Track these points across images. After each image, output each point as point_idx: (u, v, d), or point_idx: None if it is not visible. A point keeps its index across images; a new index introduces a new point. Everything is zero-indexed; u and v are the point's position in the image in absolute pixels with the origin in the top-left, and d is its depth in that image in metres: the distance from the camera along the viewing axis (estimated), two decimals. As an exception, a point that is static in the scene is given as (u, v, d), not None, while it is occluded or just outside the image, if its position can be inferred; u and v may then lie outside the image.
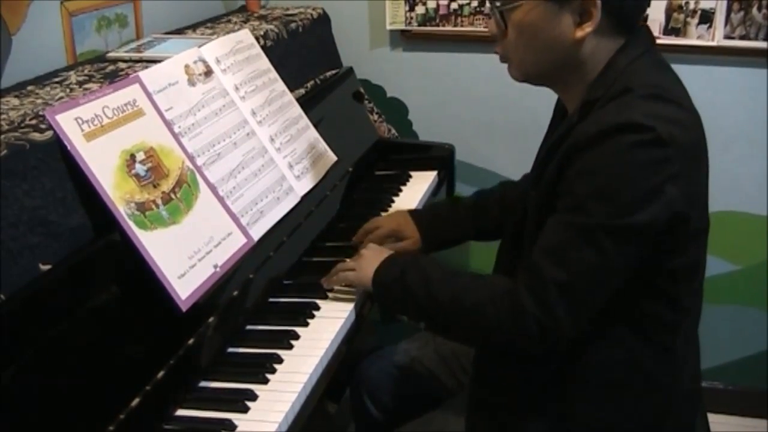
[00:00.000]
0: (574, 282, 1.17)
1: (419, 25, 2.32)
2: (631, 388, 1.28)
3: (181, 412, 1.21)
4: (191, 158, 1.39)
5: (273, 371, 1.30)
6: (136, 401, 1.15)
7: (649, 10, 2.12)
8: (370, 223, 1.72)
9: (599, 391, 1.28)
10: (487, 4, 1.30)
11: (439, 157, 2.19)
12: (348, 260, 1.54)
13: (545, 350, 1.24)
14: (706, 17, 2.11)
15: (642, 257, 1.18)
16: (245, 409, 1.21)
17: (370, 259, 1.46)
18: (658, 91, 1.20)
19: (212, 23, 2.14)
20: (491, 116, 2.32)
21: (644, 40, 1.27)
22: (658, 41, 2.09)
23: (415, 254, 1.61)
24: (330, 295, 1.52)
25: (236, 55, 1.68)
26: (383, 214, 1.88)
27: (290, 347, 1.37)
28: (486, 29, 1.30)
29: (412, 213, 1.74)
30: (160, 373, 1.20)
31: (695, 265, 1.27)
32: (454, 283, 1.32)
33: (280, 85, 1.79)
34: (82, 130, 1.21)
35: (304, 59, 2.09)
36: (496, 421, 1.35)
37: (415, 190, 2.04)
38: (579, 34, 1.21)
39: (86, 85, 1.48)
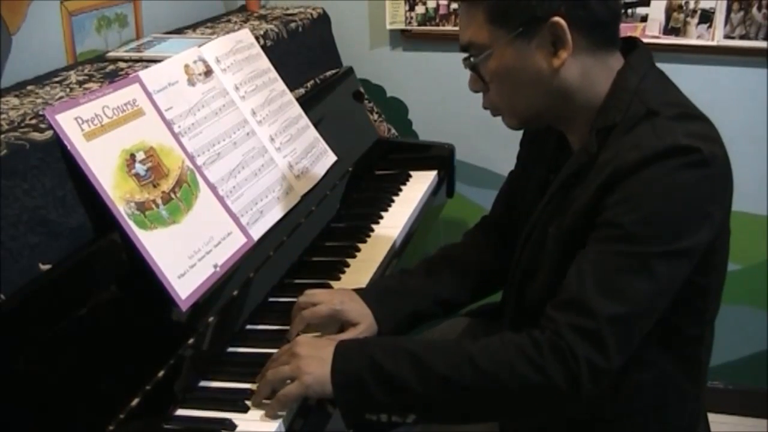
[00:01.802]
0: (629, 313, 1.10)
1: (419, 25, 2.32)
2: (668, 407, 1.26)
3: (180, 412, 1.21)
4: (191, 158, 1.39)
5: (273, 371, 1.30)
6: (136, 401, 1.14)
7: (648, 10, 2.14)
8: (305, 297, 1.37)
9: (640, 418, 1.26)
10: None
11: (439, 157, 2.19)
12: (276, 365, 1.21)
13: (594, 392, 1.11)
14: (706, 17, 2.11)
15: (688, 275, 1.14)
16: (245, 409, 1.21)
17: (310, 357, 1.18)
18: (683, 108, 1.17)
19: (212, 23, 2.14)
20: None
21: (644, 56, 1.23)
22: (658, 41, 2.11)
23: (366, 337, 1.33)
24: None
25: (236, 55, 1.68)
26: (383, 213, 1.88)
27: (290, 347, 1.37)
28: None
29: (358, 290, 1.41)
30: (160, 373, 1.20)
31: (721, 276, 1.25)
32: (453, 351, 1.15)
33: (280, 85, 1.79)
34: (82, 130, 1.21)
35: (304, 59, 2.09)
36: None
37: (415, 190, 2.03)
38: (556, 62, 1.16)
39: (86, 85, 1.48)
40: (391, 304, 1.40)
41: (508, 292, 1.39)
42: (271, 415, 1.18)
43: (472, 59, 1.22)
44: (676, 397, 1.26)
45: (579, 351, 1.08)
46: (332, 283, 1.56)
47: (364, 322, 1.35)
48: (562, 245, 1.20)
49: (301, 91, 1.96)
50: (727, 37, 2.11)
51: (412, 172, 2.12)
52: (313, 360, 1.17)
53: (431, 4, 2.29)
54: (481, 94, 1.29)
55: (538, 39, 1.16)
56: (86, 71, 1.59)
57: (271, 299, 1.51)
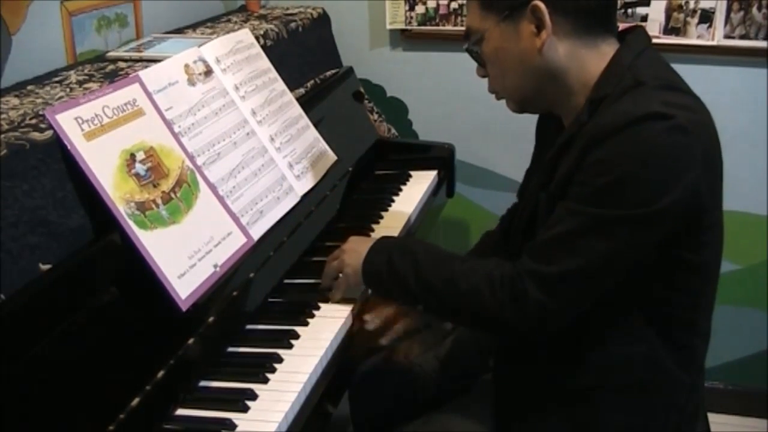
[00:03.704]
0: (582, 271, 1.18)
1: (419, 25, 2.32)
2: (653, 387, 1.28)
3: (181, 412, 1.21)
4: (191, 158, 1.39)
5: (273, 371, 1.30)
6: (136, 401, 1.15)
7: (648, 10, 2.14)
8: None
9: (623, 392, 1.28)
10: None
11: (439, 157, 2.19)
12: (330, 261, 1.51)
13: (542, 335, 1.26)
14: (706, 17, 2.11)
15: (656, 244, 1.18)
16: (245, 409, 1.21)
17: (353, 252, 1.45)
18: (670, 82, 1.22)
19: (212, 23, 2.14)
20: (491, 116, 2.32)
21: (643, 38, 1.29)
22: (658, 41, 2.11)
23: (401, 237, 1.59)
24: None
25: (236, 55, 1.68)
26: (383, 213, 1.88)
27: (290, 347, 1.37)
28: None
29: None
30: (161, 373, 1.20)
31: (715, 260, 1.28)
32: (447, 267, 1.32)
33: (280, 85, 1.79)
34: (82, 130, 1.21)
35: (304, 59, 2.09)
36: (520, 429, 1.35)
37: (415, 190, 2.04)
38: (538, 43, 1.24)
39: (86, 85, 1.48)
40: None
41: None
42: (337, 300, 1.48)
43: (470, 45, 1.32)
44: (663, 379, 1.28)
45: (531, 294, 1.20)
46: (332, 282, 1.56)
47: None
48: (550, 211, 1.25)
49: (301, 91, 1.96)
50: (727, 37, 2.11)
51: (412, 173, 2.12)
52: (353, 253, 1.44)
53: (431, 4, 2.29)
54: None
55: (522, 22, 1.25)
56: (86, 71, 1.59)
57: (271, 299, 1.51)
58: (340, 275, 1.47)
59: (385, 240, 1.47)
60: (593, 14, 1.25)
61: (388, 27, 2.34)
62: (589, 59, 1.25)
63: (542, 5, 1.22)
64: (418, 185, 2.07)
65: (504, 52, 1.28)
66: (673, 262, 1.21)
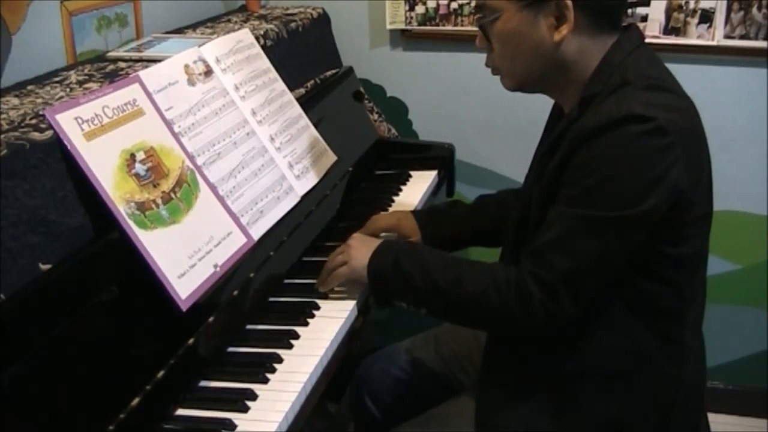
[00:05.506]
0: (578, 270, 1.21)
1: (419, 25, 2.32)
2: (637, 378, 1.29)
3: (181, 412, 1.21)
4: (191, 158, 1.39)
5: (273, 371, 1.31)
6: (136, 401, 1.15)
7: (648, 10, 2.14)
8: (371, 219, 1.72)
9: (606, 382, 1.29)
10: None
11: (439, 157, 2.19)
12: (335, 255, 1.52)
13: (549, 332, 1.27)
14: (706, 17, 2.11)
15: (644, 240, 1.20)
16: (245, 409, 1.21)
17: (359, 248, 1.46)
18: (655, 81, 1.24)
19: (212, 23, 2.14)
20: (491, 116, 2.32)
21: (636, 36, 1.30)
22: (659, 41, 2.11)
23: (407, 241, 1.61)
24: (330, 294, 1.52)
25: (236, 55, 1.68)
26: (383, 213, 1.88)
27: (290, 347, 1.37)
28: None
29: (413, 211, 1.75)
30: (161, 373, 1.20)
31: (699, 252, 1.30)
32: (453, 269, 1.34)
33: (280, 85, 1.79)
34: (82, 130, 1.21)
35: (304, 59, 2.09)
36: (504, 417, 1.36)
37: (415, 190, 2.04)
38: (557, 36, 1.25)
39: (86, 85, 1.48)
40: (436, 227, 1.66)
41: (503, 253, 1.47)
42: (328, 288, 1.50)
43: (481, 19, 1.31)
44: (647, 370, 1.29)
45: (536, 296, 1.23)
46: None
47: (414, 237, 1.64)
48: (540, 204, 1.28)
49: (301, 91, 1.96)
50: (727, 37, 2.11)
51: (412, 172, 2.12)
52: (360, 250, 1.45)
53: (431, 4, 2.29)
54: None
55: (545, 12, 1.25)
56: (86, 71, 1.59)
57: (271, 299, 1.51)
58: (342, 267, 1.47)
59: (391, 241, 1.48)
60: (609, 13, 1.27)
61: (388, 27, 2.34)
62: (595, 56, 1.27)
63: (569, 2, 1.22)
64: (418, 185, 2.07)
65: (519, 36, 1.28)
66: (652, 254, 1.23)
